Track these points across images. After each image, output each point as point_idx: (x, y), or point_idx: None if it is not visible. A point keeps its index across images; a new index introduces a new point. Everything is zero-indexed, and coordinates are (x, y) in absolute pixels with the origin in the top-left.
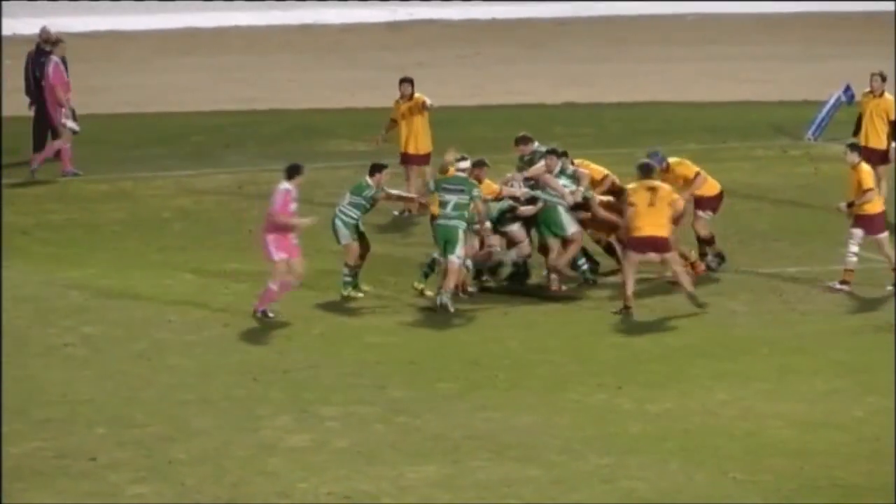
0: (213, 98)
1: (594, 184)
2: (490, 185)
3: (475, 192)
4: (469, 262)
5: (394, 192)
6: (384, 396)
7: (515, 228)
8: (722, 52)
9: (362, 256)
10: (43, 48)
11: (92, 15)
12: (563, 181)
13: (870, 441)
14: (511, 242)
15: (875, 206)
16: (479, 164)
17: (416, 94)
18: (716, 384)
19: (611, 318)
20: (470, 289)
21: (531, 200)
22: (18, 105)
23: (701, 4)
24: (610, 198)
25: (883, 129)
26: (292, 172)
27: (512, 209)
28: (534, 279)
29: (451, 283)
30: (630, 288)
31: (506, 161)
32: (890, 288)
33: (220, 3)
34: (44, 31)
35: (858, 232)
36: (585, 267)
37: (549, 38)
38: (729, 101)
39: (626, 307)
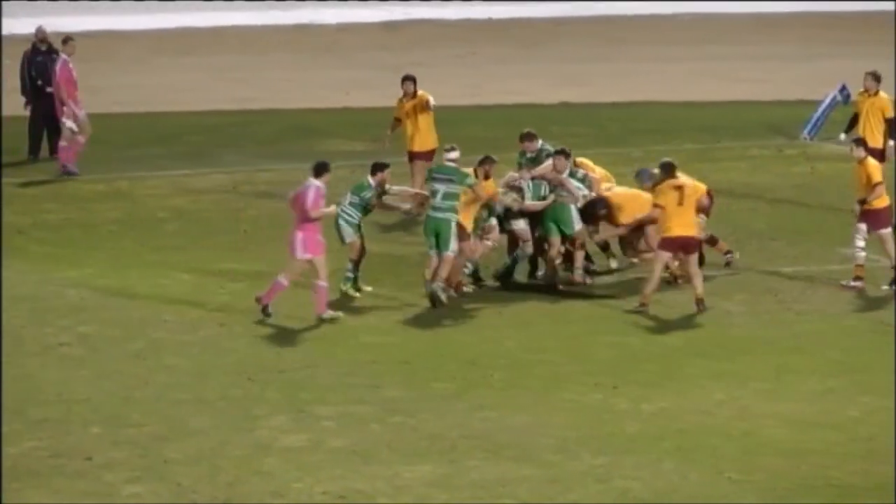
0: (209, 98)
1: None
2: (490, 186)
3: (468, 181)
4: (470, 264)
5: (395, 188)
6: (380, 396)
7: (521, 226)
8: (718, 51)
9: (360, 258)
10: (39, 48)
11: (88, 15)
12: (574, 184)
13: (865, 441)
14: (514, 240)
15: (881, 200)
16: (487, 161)
17: (420, 92)
18: (712, 384)
19: (607, 317)
20: (466, 288)
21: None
22: (18, 105)
23: (697, 4)
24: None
25: (879, 128)
26: (320, 170)
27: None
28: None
29: (444, 272)
30: (652, 287)
31: (503, 161)
32: (886, 287)
33: (216, 3)
34: (39, 30)
35: (863, 227)
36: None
37: (546, 37)
38: (725, 101)
39: (643, 304)
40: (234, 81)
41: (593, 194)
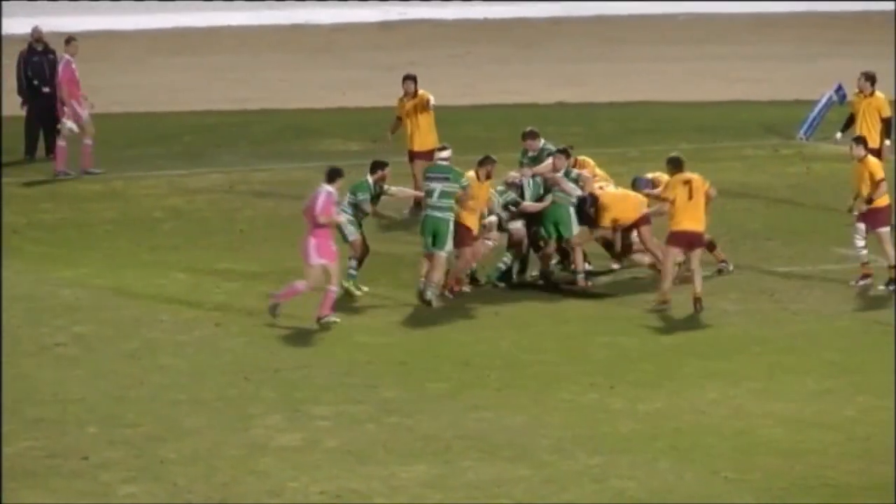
0: (205, 98)
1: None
2: (486, 188)
3: (463, 182)
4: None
5: (394, 189)
6: (375, 396)
7: (518, 226)
8: (713, 51)
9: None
10: (35, 48)
11: (85, 15)
12: (570, 185)
13: (861, 440)
14: (510, 240)
15: (882, 199)
16: (488, 162)
17: (421, 91)
18: (707, 383)
19: (603, 317)
20: (465, 288)
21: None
22: (15, 105)
23: (693, 4)
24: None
25: (876, 128)
26: (333, 175)
27: (516, 203)
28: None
29: (436, 275)
30: (668, 283)
31: (501, 161)
32: (882, 287)
33: (213, 3)
34: (35, 30)
35: (862, 226)
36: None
37: (542, 37)
38: (721, 101)
39: (664, 302)
40: (230, 81)
41: (586, 193)
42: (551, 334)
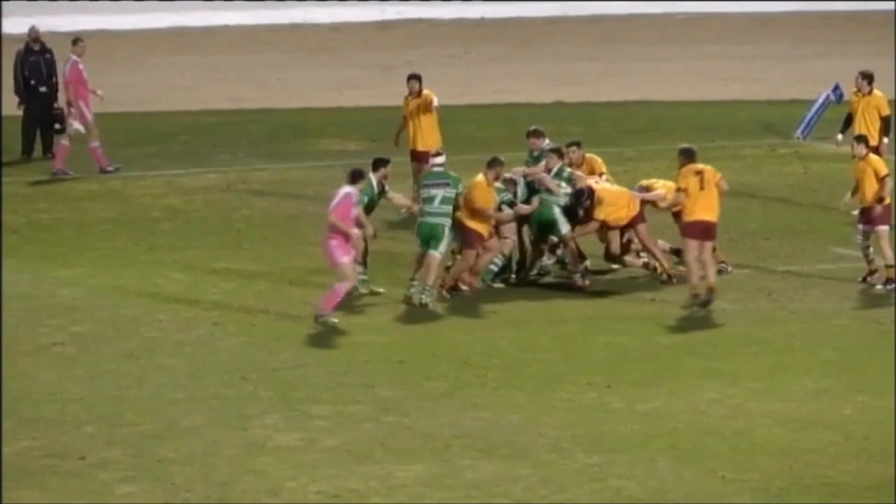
0: (202, 97)
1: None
2: (489, 194)
3: (460, 187)
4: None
5: (391, 194)
6: (373, 395)
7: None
8: (711, 51)
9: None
10: (32, 47)
11: (82, 14)
12: (555, 182)
13: (859, 440)
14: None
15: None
16: (496, 164)
17: (425, 91)
18: (705, 383)
19: (601, 316)
20: (463, 288)
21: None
22: (12, 105)
23: (690, 4)
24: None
25: (875, 127)
26: (356, 177)
27: (511, 204)
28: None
29: (430, 277)
30: (696, 276)
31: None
32: (880, 287)
33: (210, 2)
34: (32, 30)
35: (862, 227)
36: (549, 262)
37: (538, 37)
38: (718, 101)
39: (695, 295)
40: (227, 81)
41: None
42: (549, 333)
